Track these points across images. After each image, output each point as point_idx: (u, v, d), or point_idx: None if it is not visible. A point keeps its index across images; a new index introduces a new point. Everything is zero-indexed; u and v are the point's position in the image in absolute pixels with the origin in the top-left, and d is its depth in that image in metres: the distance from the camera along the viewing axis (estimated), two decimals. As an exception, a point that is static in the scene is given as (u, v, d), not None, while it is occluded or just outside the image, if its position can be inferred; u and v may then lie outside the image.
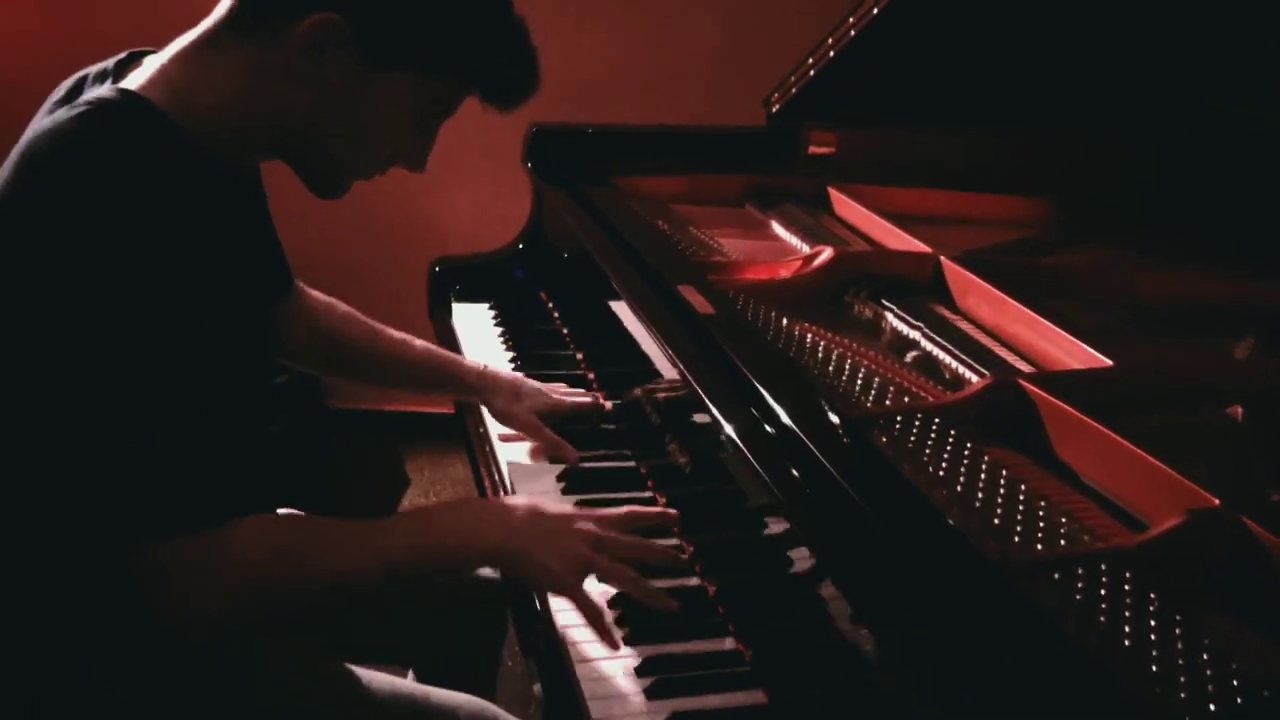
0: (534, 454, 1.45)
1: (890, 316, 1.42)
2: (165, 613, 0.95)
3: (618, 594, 1.12)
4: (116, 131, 0.94)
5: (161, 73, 1.00)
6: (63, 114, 0.94)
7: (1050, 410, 1.12)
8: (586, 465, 1.39)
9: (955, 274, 1.49)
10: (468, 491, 1.44)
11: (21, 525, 0.98)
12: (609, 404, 1.52)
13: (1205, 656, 0.84)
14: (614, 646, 1.05)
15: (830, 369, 1.27)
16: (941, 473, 1.05)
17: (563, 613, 1.12)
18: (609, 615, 1.08)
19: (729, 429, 1.13)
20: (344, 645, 1.27)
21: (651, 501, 1.31)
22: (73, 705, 1.03)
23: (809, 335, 1.35)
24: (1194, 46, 1.73)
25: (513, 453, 1.46)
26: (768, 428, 1.10)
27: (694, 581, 1.16)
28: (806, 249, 1.62)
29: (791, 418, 1.08)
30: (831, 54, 1.81)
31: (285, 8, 0.98)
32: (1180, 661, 0.84)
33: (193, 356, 0.95)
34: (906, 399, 1.21)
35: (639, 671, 1.05)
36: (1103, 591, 0.89)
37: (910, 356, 1.34)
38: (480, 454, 1.50)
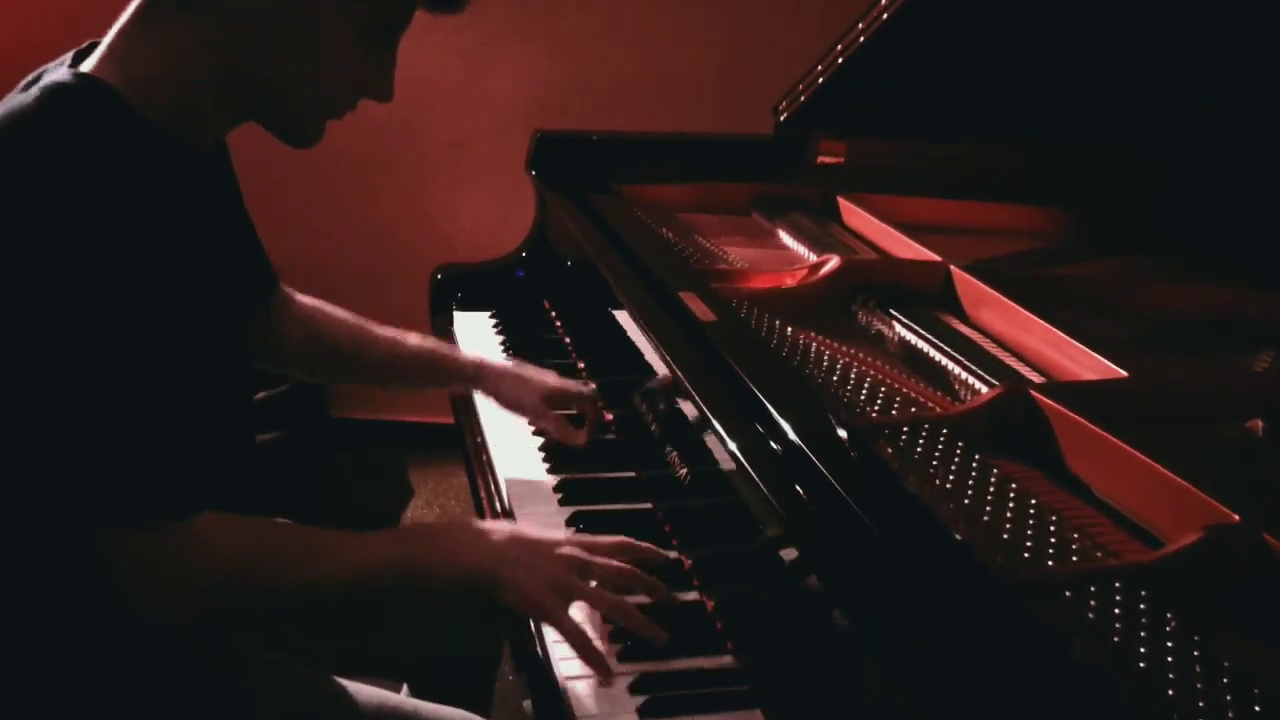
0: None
1: (898, 326, 1.38)
2: (139, 604, 0.95)
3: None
4: (72, 113, 0.94)
5: (110, 52, 0.99)
6: (16, 100, 0.94)
7: (1062, 422, 1.09)
8: (584, 476, 1.36)
9: (965, 283, 1.46)
10: (471, 502, 1.44)
11: None
12: (609, 415, 1.49)
13: (1225, 680, 0.80)
14: (605, 674, 1.02)
15: (835, 378, 1.23)
16: (949, 485, 1.01)
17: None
18: (599, 642, 1.04)
19: (729, 440, 1.10)
20: (337, 658, 1.25)
21: (651, 513, 1.28)
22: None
23: (814, 344, 1.32)
24: (1219, 61, 1.69)
25: (509, 461, 1.43)
26: (769, 439, 1.07)
27: (692, 596, 1.13)
28: (814, 258, 1.59)
29: (792, 426, 1.05)
30: (840, 60, 1.78)
31: None
32: (1198, 685, 0.80)
33: (165, 342, 0.94)
34: (913, 409, 1.18)
35: (633, 689, 1.02)
36: (1117, 610, 0.86)
37: (918, 366, 1.30)
38: (477, 463, 1.47)
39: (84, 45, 1.04)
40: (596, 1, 2.74)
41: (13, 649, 1.00)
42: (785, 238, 1.75)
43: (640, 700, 1.00)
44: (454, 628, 1.38)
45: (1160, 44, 1.71)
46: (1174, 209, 1.74)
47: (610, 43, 2.76)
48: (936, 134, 1.86)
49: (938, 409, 1.18)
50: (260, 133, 1.06)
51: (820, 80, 1.82)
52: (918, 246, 1.58)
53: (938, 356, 1.31)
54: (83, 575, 0.94)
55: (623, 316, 1.52)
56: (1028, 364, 1.30)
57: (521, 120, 2.33)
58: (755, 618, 1.09)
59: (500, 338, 1.76)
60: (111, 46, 1.00)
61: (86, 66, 0.99)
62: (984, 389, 1.21)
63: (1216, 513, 0.93)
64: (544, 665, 1.06)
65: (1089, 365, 1.24)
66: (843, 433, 1.03)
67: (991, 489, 1.02)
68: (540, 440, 1.46)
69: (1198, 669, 0.81)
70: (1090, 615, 0.85)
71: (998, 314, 1.39)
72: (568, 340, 1.74)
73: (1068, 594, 0.87)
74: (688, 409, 1.25)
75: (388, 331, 1.46)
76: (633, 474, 1.37)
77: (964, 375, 1.25)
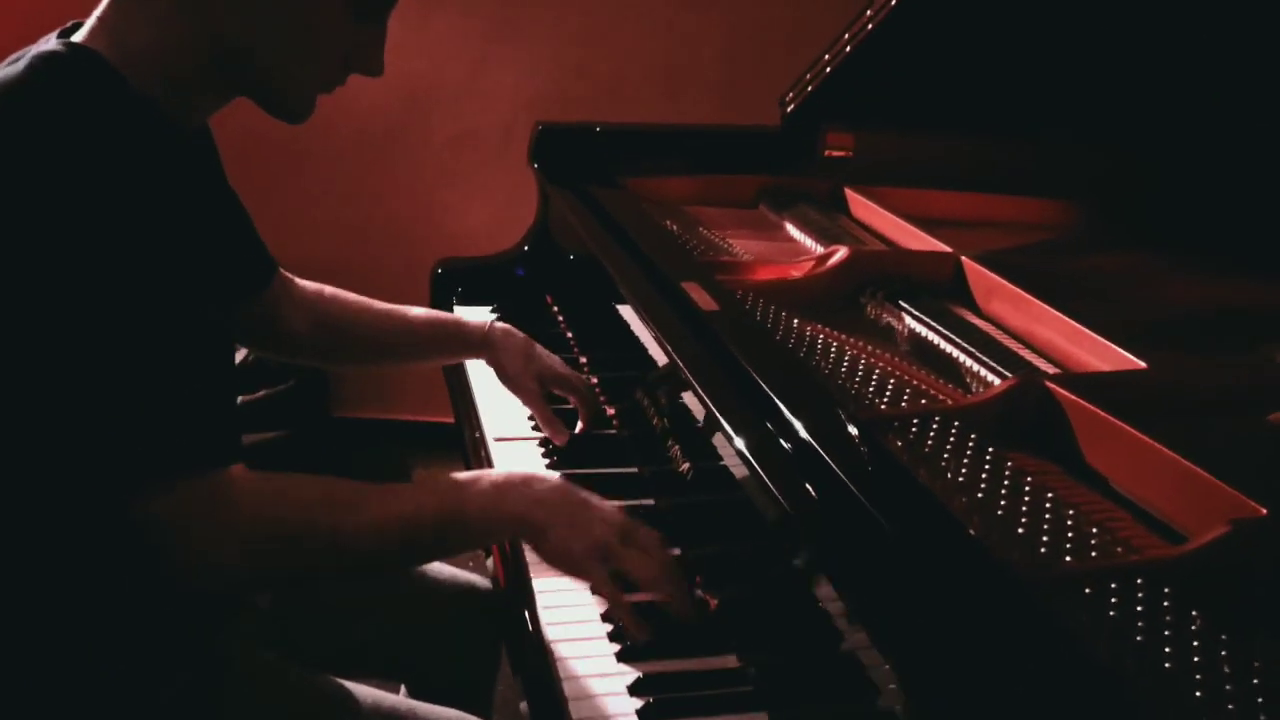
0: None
1: (907, 317, 1.35)
2: (179, 562, 0.94)
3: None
4: (63, 81, 0.93)
5: (101, 22, 0.99)
6: (5, 70, 0.93)
7: (1079, 413, 1.05)
8: (584, 471, 1.33)
9: (976, 274, 1.42)
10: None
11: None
12: (610, 410, 1.46)
13: (1255, 681, 0.77)
14: (644, 635, 1.01)
15: (843, 370, 1.20)
16: (961, 479, 0.98)
17: (552, 627, 1.06)
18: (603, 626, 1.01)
19: (732, 432, 1.07)
20: (335, 658, 1.24)
21: (651, 508, 1.26)
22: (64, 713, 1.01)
23: (821, 336, 1.29)
24: (1233, 52, 1.66)
25: (508, 458, 1.41)
26: (774, 430, 1.03)
27: (695, 594, 1.09)
28: (821, 250, 1.56)
29: (799, 419, 1.01)
30: (848, 51, 1.75)
31: None
32: (1227, 687, 0.76)
33: (157, 312, 0.93)
34: (924, 401, 1.14)
35: (633, 690, 0.99)
36: (1139, 608, 0.82)
37: (928, 359, 1.27)
38: (476, 460, 1.45)
39: (68, 25, 1.03)
40: (599, -5, 2.72)
41: (13, 649, 0.99)
42: (792, 230, 1.72)
43: (641, 702, 0.97)
44: (454, 628, 1.36)
45: (1181, 35, 1.67)
46: (1187, 200, 1.71)
47: (614, 36, 2.74)
48: (945, 126, 1.83)
49: (949, 400, 1.15)
50: (261, 129, 1.04)
51: (828, 71, 1.78)
52: (927, 238, 1.54)
53: (948, 348, 1.27)
54: (117, 548, 0.93)
55: (626, 311, 1.49)
56: (1041, 355, 1.27)
57: (525, 114, 2.30)
58: (760, 617, 1.05)
59: (501, 333, 1.73)
60: (103, 17, 0.99)
61: (78, 37, 0.99)
62: (996, 380, 1.17)
63: (1243, 506, 0.90)
64: (543, 664, 1.03)
65: (1105, 357, 1.21)
66: (851, 426, 1.00)
67: (1006, 482, 0.98)
68: (540, 436, 1.44)
69: (1226, 670, 0.78)
70: (1111, 614, 0.82)
71: (1011, 305, 1.35)
72: (570, 335, 1.71)
73: (1087, 591, 0.84)
74: (691, 403, 1.22)
75: (392, 306, 1.44)
76: (634, 470, 1.34)
77: (975, 367, 1.22)
